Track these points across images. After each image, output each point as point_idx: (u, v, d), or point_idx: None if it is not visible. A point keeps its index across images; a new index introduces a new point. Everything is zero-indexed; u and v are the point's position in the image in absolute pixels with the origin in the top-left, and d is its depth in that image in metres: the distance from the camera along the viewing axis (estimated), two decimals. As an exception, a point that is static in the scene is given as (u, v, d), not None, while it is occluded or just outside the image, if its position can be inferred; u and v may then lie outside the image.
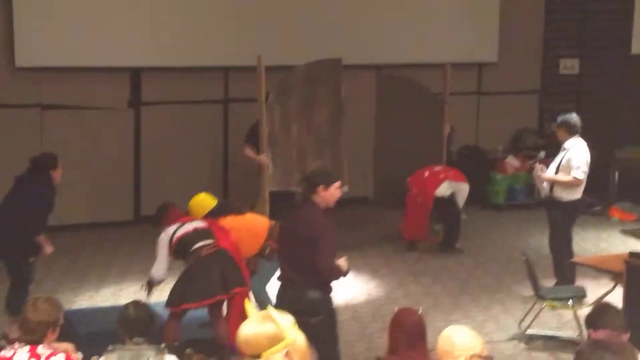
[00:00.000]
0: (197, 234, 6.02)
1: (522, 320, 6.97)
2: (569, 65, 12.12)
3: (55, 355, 3.96)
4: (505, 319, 7.30)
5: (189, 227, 6.04)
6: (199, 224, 6.13)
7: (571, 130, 7.63)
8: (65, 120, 9.64)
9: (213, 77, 10.39)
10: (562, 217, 7.65)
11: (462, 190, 9.28)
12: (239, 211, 6.84)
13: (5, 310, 6.74)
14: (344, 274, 5.39)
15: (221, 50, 10.06)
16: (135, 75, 9.97)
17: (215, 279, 5.90)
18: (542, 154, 8.44)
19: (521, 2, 12.00)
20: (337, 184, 5.34)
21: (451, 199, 9.23)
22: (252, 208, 7.40)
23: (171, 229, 6.04)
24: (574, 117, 7.67)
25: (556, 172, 7.58)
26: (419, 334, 4.17)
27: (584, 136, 7.72)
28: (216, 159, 10.60)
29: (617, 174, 11.12)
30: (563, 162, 7.56)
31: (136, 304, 4.60)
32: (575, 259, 7.46)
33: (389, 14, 10.87)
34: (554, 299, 6.78)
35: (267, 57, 10.15)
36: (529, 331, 6.85)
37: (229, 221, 6.51)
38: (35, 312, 3.98)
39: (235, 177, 10.70)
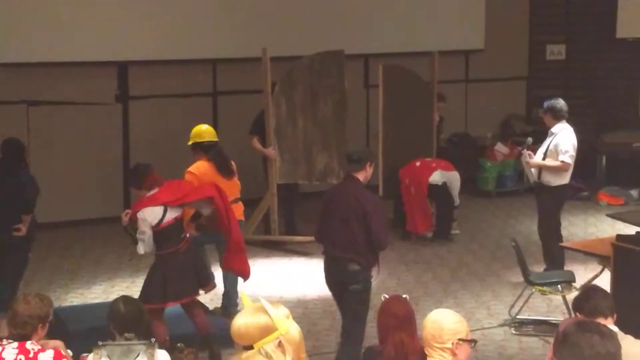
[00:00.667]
0: (176, 227, 5.94)
1: (512, 306, 7.01)
2: (556, 51, 12.15)
3: (44, 351, 3.95)
4: (496, 305, 7.34)
5: (170, 215, 5.90)
6: (177, 211, 5.93)
7: (557, 116, 7.66)
8: (52, 116, 9.61)
9: (201, 70, 10.37)
10: (551, 202, 7.68)
11: (455, 179, 9.32)
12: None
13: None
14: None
15: (209, 42, 10.04)
16: (123, 69, 9.94)
17: (191, 278, 5.93)
18: (529, 140, 8.46)
19: (507, -12, 12.02)
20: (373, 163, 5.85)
21: (444, 187, 9.26)
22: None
23: (155, 212, 5.84)
24: (559, 103, 7.70)
25: (544, 158, 7.62)
26: (407, 318, 4.19)
27: (571, 121, 7.75)
28: (205, 152, 10.57)
29: (604, 158, 11.17)
30: (550, 147, 7.59)
31: (125, 299, 4.60)
32: (564, 244, 7.50)
33: (376, 3, 10.87)
34: (543, 284, 6.82)
35: (253, 49, 10.19)
36: (519, 316, 6.89)
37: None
38: (26, 306, 3.98)
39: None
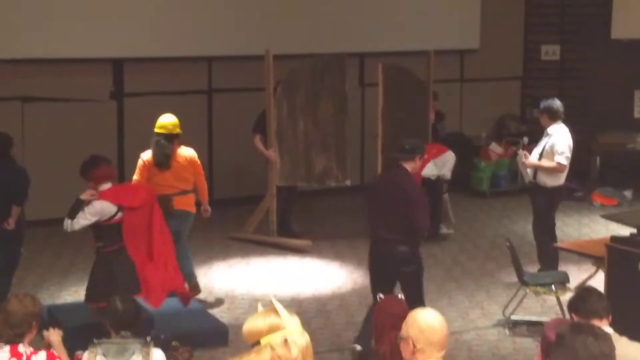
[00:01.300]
0: (117, 227, 5.93)
1: (506, 306, 7.03)
2: (550, 51, 12.18)
3: (36, 354, 3.95)
4: (490, 305, 7.36)
5: (118, 216, 5.90)
6: (120, 213, 5.93)
7: (553, 116, 7.68)
8: (47, 113, 9.58)
9: (197, 67, 10.36)
10: (545, 203, 7.70)
11: (448, 161, 9.26)
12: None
13: None
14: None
15: (204, 40, 10.03)
16: (118, 66, 9.92)
17: (133, 279, 5.91)
18: (525, 140, 8.49)
19: (502, -11, 12.05)
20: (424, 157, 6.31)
21: (436, 182, 9.26)
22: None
23: (109, 209, 5.87)
24: (556, 103, 7.72)
25: (539, 158, 7.63)
26: (402, 317, 4.19)
27: (565, 121, 7.77)
28: (201, 149, 10.52)
29: (598, 159, 11.20)
30: (546, 148, 7.60)
31: (122, 297, 4.60)
32: (558, 244, 7.52)
33: (371, 2, 10.87)
34: (537, 285, 6.84)
35: (249, 46, 10.18)
36: (513, 317, 6.91)
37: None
38: (20, 305, 3.98)
39: (221, 167, 10.70)
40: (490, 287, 7.81)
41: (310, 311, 7.23)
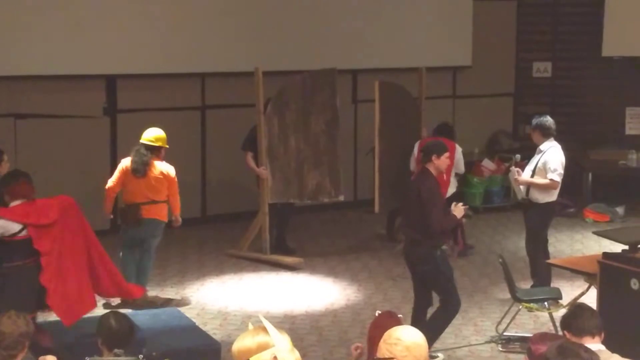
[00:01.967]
0: (27, 242, 5.87)
1: (499, 323, 7.03)
2: (542, 69, 12.26)
3: None
4: (483, 321, 7.36)
5: (25, 232, 5.87)
6: (24, 231, 5.89)
7: (545, 133, 7.72)
8: (40, 129, 9.57)
9: (190, 83, 10.38)
10: (538, 219, 7.72)
11: (460, 159, 9.14)
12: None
13: None
14: (459, 219, 6.48)
15: (198, 56, 10.05)
16: (111, 82, 9.94)
17: (34, 295, 5.88)
18: (517, 156, 8.50)
19: (494, 7, 12.13)
20: (447, 153, 6.41)
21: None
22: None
23: (9, 226, 5.83)
24: (548, 120, 7.76)
25: (532, 175, 7.66)
26: None
27: (557, 138, 7.82)
28: (194, 166, 10.58)
29: (590, 175, 11.24)
30: (539, 165, 7.64)
31: (116, 315, 4.57)
32: (550, 261, 7.54)
33: (364, 19, 10.93)
34: (530, 301, 6.85)
35: (242, 63, 10.21)
36: (506, 333, 6.91)
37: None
38: (14, 326, 3.94)
39: (214, 183, 10.70)
40: (483, 303, 7.81)
41: (304, 327, 7.22)
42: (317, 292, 8.15)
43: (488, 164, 11.41)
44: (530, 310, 6.98)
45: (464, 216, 6.64)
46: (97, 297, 7.71)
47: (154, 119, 10.12)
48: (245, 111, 10.33)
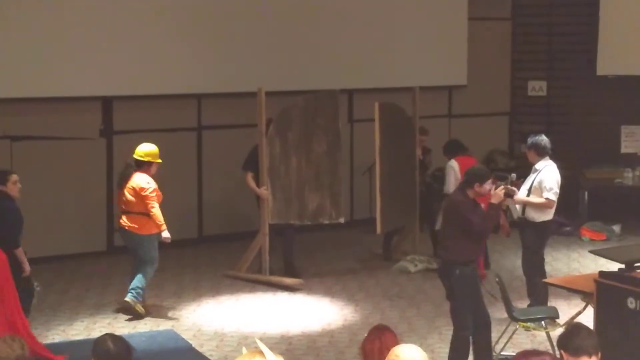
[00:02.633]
0: None
1: (496, 342, 7.00)
2: (537, 87, 12.31)
3: None
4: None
5: None
6: None
7: (541, 152, 7.74)
8: (36, 151, 9.58)
9: (186, 104, 10.41)
10: (535, 238, 7.72)
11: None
12: None
13: None
14: (499, 206, 6.60)
15: (194, 77, 10.08)
16: (107, 104, 9.96)
17: None
18: (513, 176, 8.51)
19: (489, 26, 12.20)
20: (490, 180, 6.48)
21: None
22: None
23: None
24: (543, 139, 7.78)
25: (528, 194, 7.67)
26: (387, 347, 4.24)
27: (553, 157, 7.84)
28: (190, 186, 10.59)
29: (586, 194, 11.25)
30: (535, 184, 7.65)
31: (113, 337, 4.53)
32: (547, 280, 7.53)
33: (360, 39, 10.99)
34: (527, 320, 6.83)
35: (238, 84, 10.25)
36: (503, 353, 6.88)
37: None
38: (9, 349, 3.93)
39: (210, 203, 10.70)
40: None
41: (300, 348, 7.19)
42: (313, 312, 8.13)
43: (484, 183, 11.40)
44: (527, 329, 6.96)
45: (505, 197, 6.65)
46: (91, 319, 7.70)
47: (150, 140, 10.12)
48: (241, 131, 10.36)
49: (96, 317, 7.86)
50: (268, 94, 8.95)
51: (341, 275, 9.30)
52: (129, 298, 7.70)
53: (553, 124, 12.07)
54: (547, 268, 8.22)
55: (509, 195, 6.87)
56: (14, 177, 7.14)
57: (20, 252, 6.89)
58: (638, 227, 10.90)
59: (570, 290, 6.87)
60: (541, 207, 7.60)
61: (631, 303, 5.69)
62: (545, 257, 8.02)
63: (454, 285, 6.36)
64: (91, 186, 9.89)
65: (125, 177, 7.81)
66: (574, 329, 4.31)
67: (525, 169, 8.15)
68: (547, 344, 6.77)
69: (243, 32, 10.31)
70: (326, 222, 9.19)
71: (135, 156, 7.85)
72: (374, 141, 9.38)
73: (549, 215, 7.70)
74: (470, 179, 6.42)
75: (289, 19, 10.54)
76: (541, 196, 7.57)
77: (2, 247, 6.66)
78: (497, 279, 6.99)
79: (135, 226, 7.75)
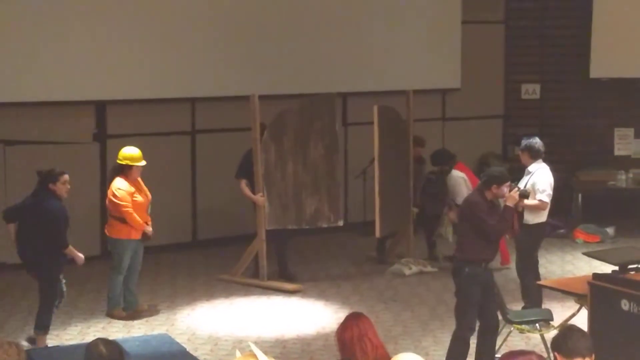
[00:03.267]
0: None
1: (491, 345, 7.00)
2: (531, 90, 12.34)
3: None
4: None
5: None
6: None
7: (534, 155, 7.76)
8: (30, 155, 9.55)
9: (180, 108, 10.40)
10: (529, 240, 7.74)
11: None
12: None
13: (36, 328, 7.11)
14: (514, 208, 6.51)
15: (187, 81, 10.08)
16: (101, 108, 9.94)
17: None
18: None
19: (482, 29, 12.22)
20: (508, 182, 6.44)
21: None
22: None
23: None
24: (537, 142, 7.81)
25: (521, 197, 7.68)
26: (369, 325, 4.35)
27: (547, 159, 7.86)
28: (184, 190, 10.58)
29: (580, 196, 11.28)
30: (528, 186, 7.66)
31: (105, 341, 4.52)
32: (541, 282, 7.54)
33: (354, 43, 10.99)
34: (521, 323, 6.84)
35: (232, 87, 10.25)
36: (498, 355, 6.88)
37: None
38: (5, 355, 3.90)
39: (204, 207, 10.69)
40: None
41: (295, 351, 7.19)
42: (308, 315, 8.13)
43: (478, 186, 11.43)
44: (521, 331, 6.97)
45: (520, 199, 6.65)
46: (84, 324, 7.68)
47: (144, 144, 10.11)
48: (235, 135, 10.36)
49: (90, 321, 7.84)
50: (261, 97, 8.95)
51: (335, 278, 9.29)
52: (106, 308, 7.86)
53: (546, 126, 12.10)
54: (541, 270, 8.23)
55: (524, 196, 6.88)
56: (65, 177, 7.27)
57: (70, 251, 7.10)
58: (632, 229, 10.93)
59: (564, 292, 6.88)
60: (535, 208, 7.61)
61: (625, 305, 5.70)
62: (539, 259, 8.04)
63: (462, 284, 6.38)
64: (84, 190, 9.86)
65: (109, 182, 7.94)
66: (567, 331, 4.32)
67: (518, 172, 8.17)
68: (542, 346, 6.78)
69: (236, 35, 10.31)
70: (325, 225, 9.14)
71: (117, 160, 7.90)
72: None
73: (542, 217, 7.72)
74: (489, 180, 6.43)
75: (282, 23, 10.54)
76: (535, 198, 7.59)
77: (52, 247, 6.95)
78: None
79: (109, 229, 7.90)
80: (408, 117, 9.85)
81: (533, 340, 7.19)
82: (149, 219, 7.97)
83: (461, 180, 9.41)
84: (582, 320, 6.05)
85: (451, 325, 7.77)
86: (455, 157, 9.75)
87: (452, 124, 12.20)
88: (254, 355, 2.80)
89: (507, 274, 8.96)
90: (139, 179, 7.92)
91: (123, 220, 7.74)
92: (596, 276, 6.09)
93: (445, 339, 7.39)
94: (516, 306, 7.67)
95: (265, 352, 2.98)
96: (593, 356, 4.11)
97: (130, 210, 7.70)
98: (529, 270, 7.78)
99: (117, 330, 7.50)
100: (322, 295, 8.70)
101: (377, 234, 9.19)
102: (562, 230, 10.87)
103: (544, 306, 7.50)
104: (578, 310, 6.67)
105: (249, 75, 10.20)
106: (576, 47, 11.96)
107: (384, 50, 11.19)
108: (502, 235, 6.64)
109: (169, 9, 9.98)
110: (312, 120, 8.99)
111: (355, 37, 11.00)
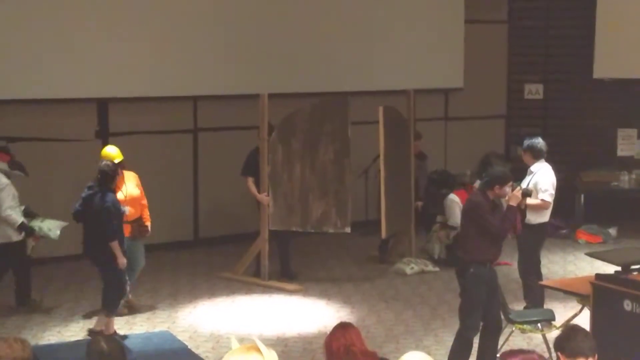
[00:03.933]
0: None
1: (493, 345, 6.99)
2: (534, 90, 12.32)
3: None
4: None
5: None
6: None
7: (536, 155, 7.75)
8: (32, 153, 9.55)
9: (182, 106, 10.39)
10: (531, 240, 7.73)
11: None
12: None
13: (103, 309, 7.20)
14: (516, 208, 6.50)
15: (190, 79, 10.07)
16: (103, 106, 9.94)
17: None
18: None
19: (485, 29, 12.21)
20: (510, 182, 6.44)
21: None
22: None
23: None
24: (539, 142, 7.80)
25: (523, 197, 7.67)
26: (351, 342, 4.36)
27: (549, 160, 7.85)
28: (186, 188, 10.57)
29: (582, 197, 11.26)
30: (530, 186, 7.65)
31: (106, 337, 4.52)
32: (543, 282, 7.53)
33: (357, 42, 10.98)
34: (523, 323, 6.83)
35: (234, 85, 10.25)
36: (500, 355, 6.87)
37: None
38: (9, 350, 3.89)
39: (206, 205, 10.69)
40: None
41: (296, 350, 7.18)
42: (310, 314, 8.12)
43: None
44: (523, 331, 6.95)
45: (523, 197, 6.65)
46: (87, 321, 7.68)
47: (146, 142, 10.16)
48: (237, 134, 10.36)
49: (92, 318, 7.83)
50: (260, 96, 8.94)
51: (337, 277, 9.29)
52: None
53: (549, 126, 12.09)
54: (543, 270, 8.22)
55: (527, 195, 6.87)
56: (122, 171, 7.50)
57: (114, 245, 7.05)
58: (634, 230, 10.92)
59: (566, 292, 6.87)
60: (537, 208, 7.60)
61: (627, 305, 5.69)
62: (541, 259, 8.03)
63: (467, 283, 6.37)
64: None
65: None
66: (570, 331, 4.31)
67: (521, 172, 8.16)
68: (543, 346, 6.77)
69: (238, 34, 10.30)
70: (331, 231, 8.91)
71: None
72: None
73: (545, 217, 7.71)
74: (492, 180, 6.41)
75: (284, 22, 10.53)
76: (537, 198, 7.58)
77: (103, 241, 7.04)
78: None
79: None
80: (409, 116, 9.84)
81: (535, 340, 7.18)
82: (144, 214, 7.93)
83: (455, 205, 9.60)
84: (584, 321, 6.03)
85: (453, 325, 7.78)
86: (457, 182, 9.97)
87: (455, 123, 12.19)
88: (256, 347, 2.78)
89: (509, 274, 8.95)
90: (125, 174, 7.82)
91: None
92: (599, 276, 6.07)
93: (447, 339, 7.39)
94: (518, 306, 7.65)
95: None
96: (596, 356, 4.10)
97: None
98: (531, 270, 7.77)
99: (119, 327, 7.49)
100: (323, 294, 8.70)
101: (383, 234, 9.16)
102: (564, 231, 10.85)
103: (546, 306, 7.49)
104: (580, 311, 6.66)
105: (251, 73, 10.19)
106: (579, 48, 11.95)
107: (387, 49, 11.18)
108: (507, 234, 6.63)
109: (171, 7, 9.97)
110: (323, 122, 8.82)
111: (358, 37, 10.99)
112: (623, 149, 11.84)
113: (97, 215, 7.07)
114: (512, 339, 7.00)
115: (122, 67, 9.69)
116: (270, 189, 8.78)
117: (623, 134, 11.87)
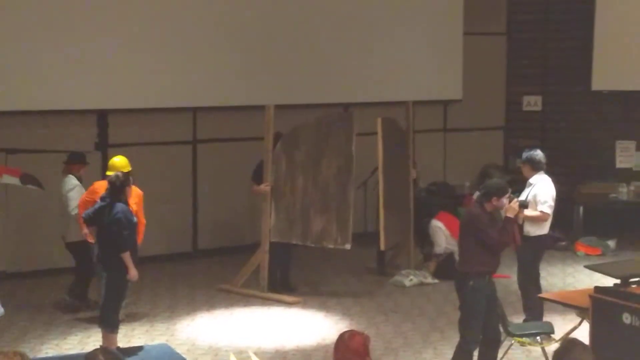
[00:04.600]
0: None
1: (492, 357, 6.98)
2: (532, 102, 12.35)
3: None
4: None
5: None
6: None
7: (535, 167, 7.76)
8: (31, 164, 9.54)
9: (181, 118, 10.41)
10: (530, 252, 7.72)
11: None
12: None
13: (103, 326, 7.10)
14: (514, 219, 6.57)
15: (189, 91, 10.08)
16: (102, 117, 9.95)
17: None
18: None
19: (484, 41, 12.25)
20: (508, 194, 6.49)
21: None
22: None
23: None
24: (538, 154, 7.80)
25: (522, 208, 7.67)
26: (357, 352, 4.34)
27: (548, 171, 7.85)
28: (185, 200, 10.57)
29: (581, 209, 11.27)
30: (529, 198, 7.65)
31: (104, 350, 4.51)
32: (542, 295, 7.52)
33: (356, 53, 11.00)
34: (522, 336, 6.81)
35: (234, 97, 10.26)
36: (498, 368, 6.86)
37: None
38: None
39: (205, 217, 10.68)
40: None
41: (295, 363, 7.16)
42: (308, 326, 8.11)
43: (479, 197, 11.42)
44: (522, 344, 6.94)
45: (520, 210, 6.68)
46: (84, 334, 7.66)
47: (145, 153, 10.16)
48: (236, 145, 10.37)
49: (90, 331, 7.81)
50: (262, 107, 8.95)
51: (336, 289, 9.27)
52: None
53: (548, 138, 12.10)
54: (543, 283, 8.21)
55: (524, 206, 6.87)
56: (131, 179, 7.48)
57: (125, 257, 6.99)
58: (633, 242, 10.92)
59: (565, 305, 6.86)
60: (536, 220, 7.60)
61: (627, 318, 5.68)
62: (540, 272, 8.01)
63: (466, 297, 6.36)
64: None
65: None
66: (569, 344, 4.31)
67: (520, 184, 8.16)
68: (543, 359, 6.76)
69: (237, 45, 10.32)
70: (330, 246, 8.82)
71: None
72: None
73: (544, 229, 7.71)
74: (489, 192, 6.43)
75: (284, 34, 10.56)
76: (536, 210, 7.58)
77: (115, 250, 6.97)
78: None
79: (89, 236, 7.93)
80: (408, 128, 9.85)
81: (534, 353, 7.16)
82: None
83: (439, 230, 9.73)
84: (583, 334, 6.02)
85: (452, 337, 7.77)
86: (437, 210, 10.01)
87: (454, 135, 12.20)
88: None
89: (508, 286, 8.93)
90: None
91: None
92: (598, 289, 6.06)
93: (446, 351, 7.37)
94: (517, 319, 7.64)
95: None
96: (595, 370, 4.10)
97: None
98: (530, 282, 7.76)
99: (117, 340, 7.46)
100: (322, 306, 8.68)
101: (382, 246, 9.15)
102: (563, 243, 10.85)
103: (545, 319, 7.48)
104: (579, 324, 6.65)
105: (251, 85, 10.21)
106: (578, 59, 11.98)
107: (386, 61, 11.20)
108: (505, 246, 6.63)
109: (171, 19, 10.00)
110: (328, 137, 8.79)
111: (357, 48, 11.01)
112: (621, 161, 11.85)
113: (109, 227, 7.04)
114: (511, 352, 6.99)
115: (122, 78, 9.70)
116: (273, 201, 8.77)
117: (621, 146, 11.88)
